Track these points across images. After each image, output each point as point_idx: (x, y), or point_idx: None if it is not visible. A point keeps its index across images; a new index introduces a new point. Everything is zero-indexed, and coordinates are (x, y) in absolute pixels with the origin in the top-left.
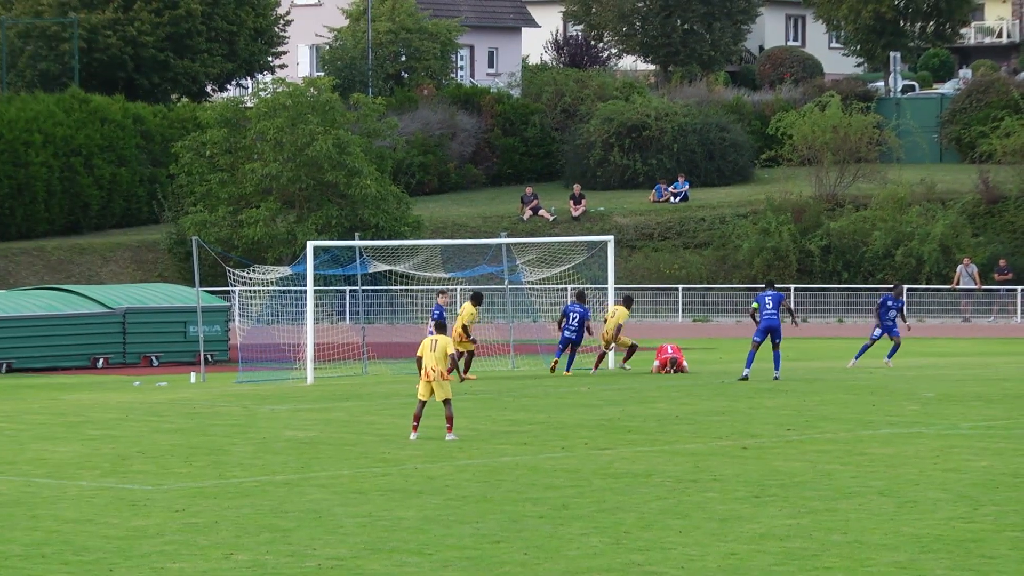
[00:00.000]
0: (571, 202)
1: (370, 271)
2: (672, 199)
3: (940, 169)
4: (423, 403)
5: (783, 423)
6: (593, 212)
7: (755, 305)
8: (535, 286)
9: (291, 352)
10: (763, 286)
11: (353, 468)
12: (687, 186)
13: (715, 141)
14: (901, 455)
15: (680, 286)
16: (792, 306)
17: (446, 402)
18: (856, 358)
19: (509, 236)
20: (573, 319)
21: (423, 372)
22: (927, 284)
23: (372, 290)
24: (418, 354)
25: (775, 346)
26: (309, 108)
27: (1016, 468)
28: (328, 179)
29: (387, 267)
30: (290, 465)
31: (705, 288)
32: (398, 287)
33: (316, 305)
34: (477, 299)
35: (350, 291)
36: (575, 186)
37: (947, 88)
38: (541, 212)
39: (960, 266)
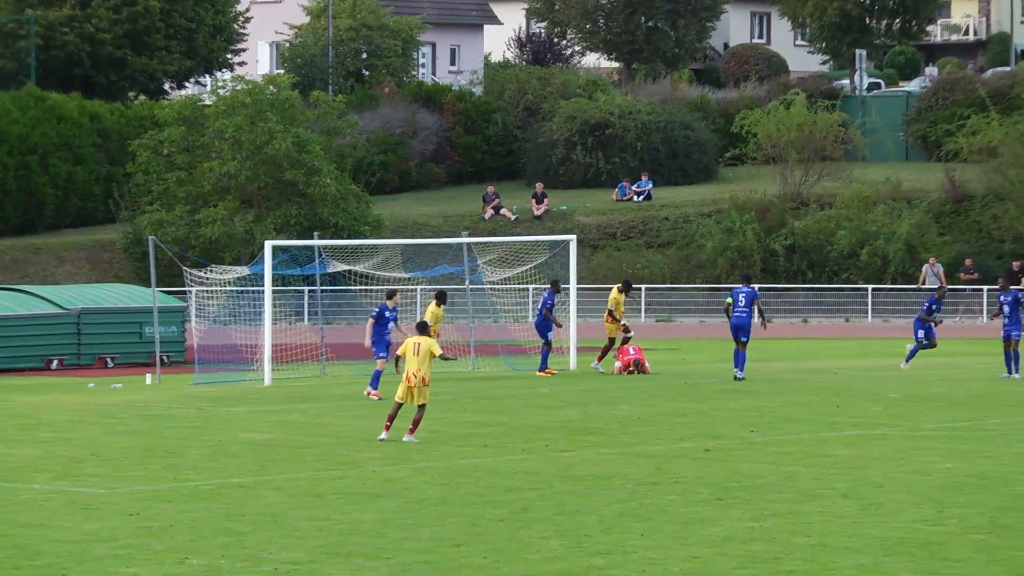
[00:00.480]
0: (533, 201)
1: (329, 271)
2: (635, 198)
3: (906, 168)
4: (399, 405)
5: (746, 424)
6: (556, 211)
7: (729, 301)
8: (496, 286)
9: (248, 353)
10: (737, 284)
11: (310, 471)
12: (650, 185)
13: (679, 139)
14: (865, 457)
15: (643, 286)
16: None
17: (421, 407)
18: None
19: (470, 235)
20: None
21: (405, 376)
22: (892, 284)
23: (331, 290)
24: (399, 353)
25: (741, 345)
26: (268, 106)
27: (981, 470)
28: (287, 178)
29: (346, 267)
30: (246, 468)
31: (668, 288)
32: (357, 287)
33: (274, 305)
34: (442, 298)
35: (309, 291)
36: (537, 185)
37: (913, 86)
38: (503, 211)
39: (926, 266)
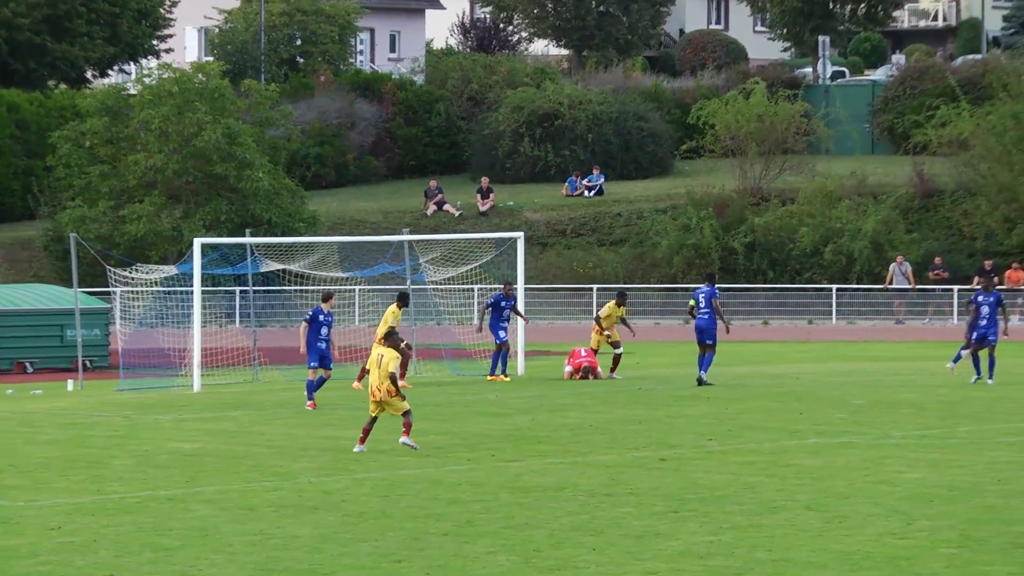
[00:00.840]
0: (478, 196)
1: (262, 270)
2: (586, 193)
3: (872, 161)
4: (374, 419)
5: (704, 432)
6: (502, 207)
7: (692, 303)
8: (439, 286)
9: (176, 358)
10: (699, 284)
11: (243, 482)
12: (602, 179)
13: (632, 131)
14: (829, 467)
15: (595, 286)
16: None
17: (405, 414)
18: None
19: (411, 233)
20: (507, 314)
21: (370, 390)
22: (858, 284)
23: (264, 291)
24: (367, 365)
25: (707, 347)
26: (197, 95)
27: (951, 480)
28: (217, 172)
29: (280, 266)
30: (175, 479)
31: (621, 288)
32: (292, 287)
33: (204, 307)
34: (403, 300)
35: (240, 292)
36: (483, 179)
37: (879, 75)
38: (446, 207)
39: (893, 264)
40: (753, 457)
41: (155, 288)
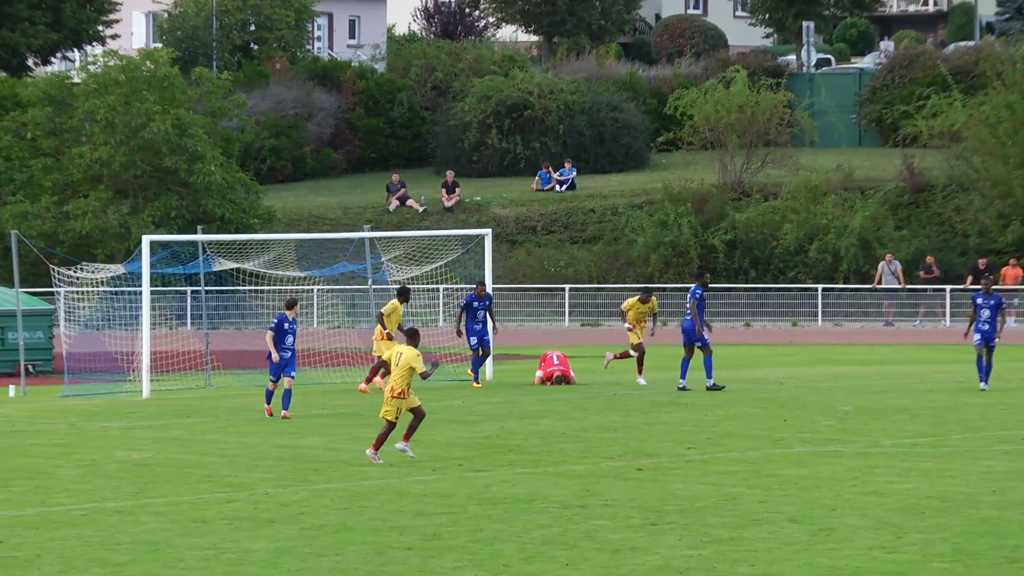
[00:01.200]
0: (443, 191)
1: (214, 269)
2: (558, 187)
3: (859, 153)
4: (390, 425)
5: (683, 441)
6: (468, 202)
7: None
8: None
9: (124, 362)
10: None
11: (195, 494)
12: (574, 173)
13: (606, 122)
14: (815, 476)
15: (567, 286)
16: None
17: (414, 412)
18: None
19: (373, 229)
20: (480, 315)
21: (387, 388)
22: (845, 283)
23: (217, 291)
24: (385, 358)
25: (694, 350)
26: (145, 84)
27: (944, 491)
28: (167, 165)
29: (234, 265)
30: (123, 490)
31: (595, 288)
32: (246, 287)
33: (153, 308)
34: (404, 295)
35: (192, 292)
36: (448, 173)
37: (867, 62)
38: (409, 202)
39: (882, 263)
40: (735, 466)
41: (101, 288)
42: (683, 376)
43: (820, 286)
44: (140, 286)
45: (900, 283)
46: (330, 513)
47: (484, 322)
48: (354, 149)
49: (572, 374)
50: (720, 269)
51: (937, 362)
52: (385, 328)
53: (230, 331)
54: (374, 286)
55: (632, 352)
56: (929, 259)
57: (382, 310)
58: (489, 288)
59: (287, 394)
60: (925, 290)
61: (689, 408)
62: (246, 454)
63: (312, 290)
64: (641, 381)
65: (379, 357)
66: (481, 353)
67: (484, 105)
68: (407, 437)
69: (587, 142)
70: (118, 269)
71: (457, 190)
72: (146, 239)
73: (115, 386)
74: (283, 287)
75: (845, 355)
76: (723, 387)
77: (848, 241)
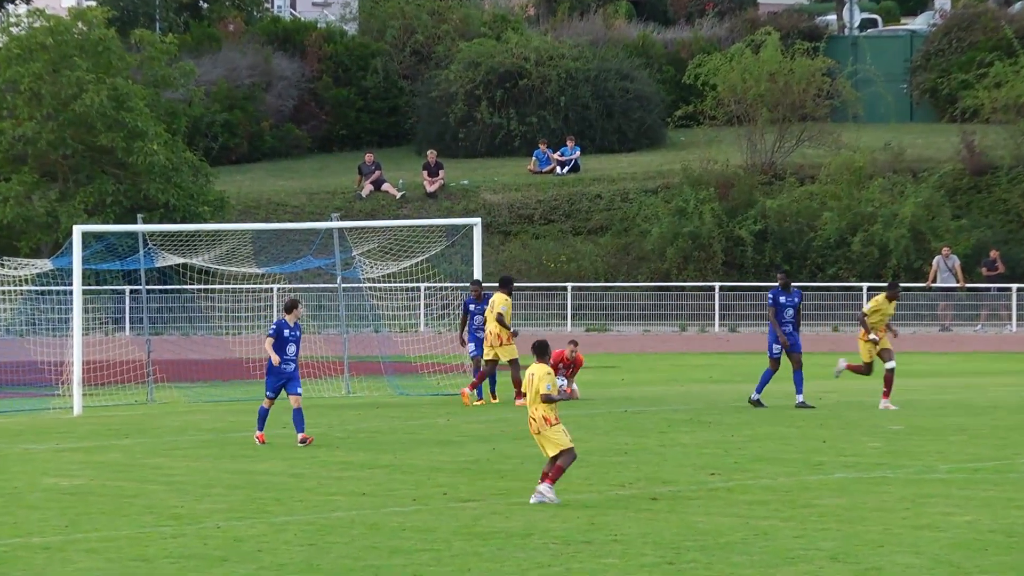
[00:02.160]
0: (425, 173)
1: (157, 265)
2: (558, 169)
3: (911, 130)
4: (553, 457)
5: (705, 466)
6: (454, 187)
7: (771, 308)
8: (377, 284)
9: (52, 373)
10: (776, 283)
11: (135, 527)
12: (577, 152)
13: (614, 93)
14: (859, 507)
15: (569, 284)
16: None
17: (560, 456)
18: None
19: (343, 219)
20: (477, 320)
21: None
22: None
23: (160, 291)
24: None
25: (792, 361)
26: (76, 49)
27: (1010, 524)
28: (102, 143)
29: (180, 260)
30: (51, 523)
31: (602, 288)
32: (195, 286)
33: (86, 311)
34: (507, 285)
35: (131, 292)
36: (430, 153)
37: (919, 23)
38: (385, 187)
39: (937, 258)
40: (765, 496)
41: (25, 287)
42: (760, 390)
43: (865, 284)
44: (70, 284)
45: (958, 281)
46: (292, 550)
47: (483, 329)
48: (320, 124)
49: (575, 388)
50: (748, 265)
51: (1002, 373)
52: (509, 327)
53: (175, 337)
54: (344, 284)
55: (868, 369)
56: (993, 253)
57: (499, 310)
58: None
59: (298, 415)
60: (988, 289)
61: (712, 428)
62: (194, 481)
63: (272, 289)
64: (889, 405)
65: (487, 362)
66: (482, 365)
67: (472, 73)
68: (551, 479)
69: (592, 116)
70: (45, 265)
71: (441, 173)
72: (77, 230)
73: (41, 402)
74: (238, 286)
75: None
76: (812, 407)
77: (898, 232)
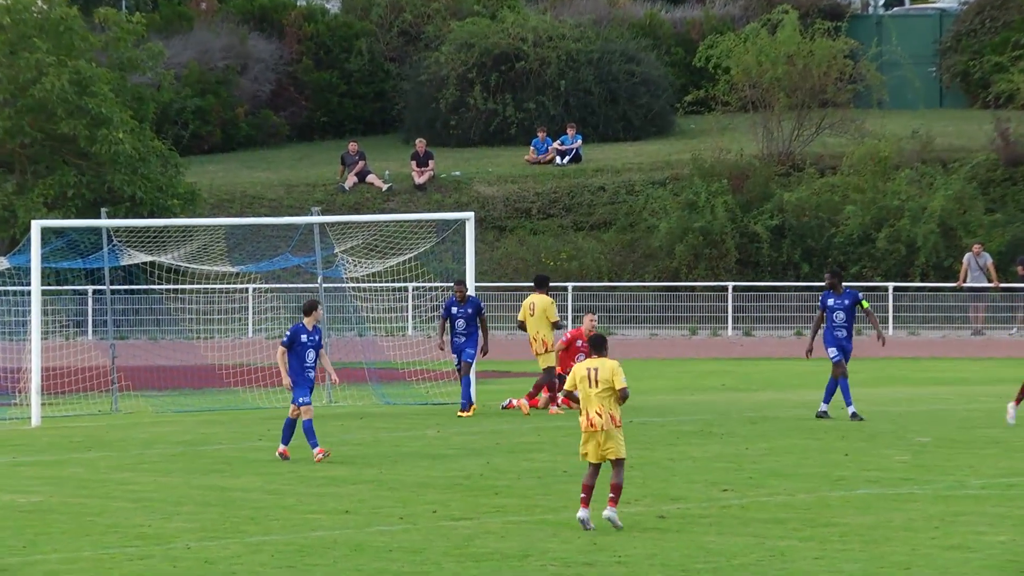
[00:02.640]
0: (413, 164)
1: (123, 264)
2: (558, 159)
3: (940, 116)
4: (595, 467)
5: (716, 481)
6: (445, 178)
7: (820, 312)
8: (361, 284)
9: (8, 381)
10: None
11: (97, 548)
12: (579, 141)
13: (619, 77)
14: (885, 526)
15: (570, 284)
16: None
17: (617, 463)
18: None
19: (324, 212)
20: (460, 325)
21: (585, 419)
22: (922, 281)
23: (126, 291)
24: (567, 388)
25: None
26: (35, 29)
27: None
28: (63, 131)
29: (148, 258)
30: (7, 544)
31: (606, 287)
32: (163, 286)
33: (45, 313)
34: (542, 284)
35: (94, 292)
36: (419, 141)
37: (949, 2)
38: (370, 178)
39: (968, 255)
40: (782, 514)
41: None
42: (843, 401)
43: (891, 284)
44: (28, 284)
45: (991, 281)
46: (269, 573)
47: (467, 334)
48: (300, 111)
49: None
50: (764, 263)
51: None
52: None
53: (142, 342)
54: (325, 284)
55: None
56: None
57: (554, 319)
58: (471, 287)
59: (308, 426)
60: (1023, 290)
61: (724, 440)
62: (163, 498)
63: (247, 290)
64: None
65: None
66: (465, 374)
67: (465, 55)
68: (614, 501)
69: (595, 102)
70: (2, 263)
71: (430, 163)
72: (36, 225)
73: None
74: (210, 286)
75: (922, 372)
76: (863, 419)
77: (927, 228)
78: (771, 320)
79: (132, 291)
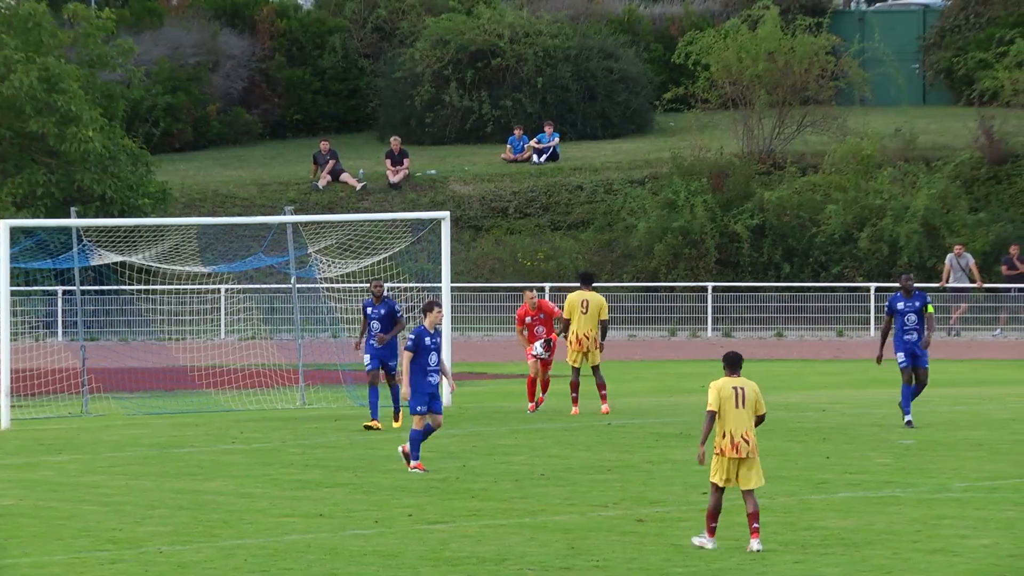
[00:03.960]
0: (388, 162)
1: (93, 264)
2: (535, 158)
3: (924, 114)
4: (722, 492)
5: (695, 484)
6: (420, 177)
7: (887, 317)
8: (335, 285)
9: None
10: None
11: (68, 552)
12: (556, 139)
13: (597, 73)
14: (866, 530)
15: (547, 284)
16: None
17: (750, 495)
18: None
19: (297, 212)
20: (375, 327)
21: (727, 444)
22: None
23: (96, 292)
24: (710, 406)
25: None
26: (3, 25)
27: None
28: (31, 129)
29: (118, 258)
30: None
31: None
32: (134, 286)
33: (13, 314)
34: (587, 281)
35: (64, 293)
36: (393, 140)
37: None
38: (344, 177)
39: (951, 256)
40: (763, 517)
41: None
42: (907, 409)
43: (873, 285)
44: None
45: (974, 281)
46: None
47: (387, 343)
48: (272, 109)
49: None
50: (744, 263)
51: (1023, 383)
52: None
53: (113, 343)
54: (298, 285)
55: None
56: (1013, 250)
57: (605, 316)
58: (446, 290)
59: (416, 436)
60: (1007, 290)
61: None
62: (135, 501)
63: (219, 290)
64: None
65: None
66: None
67: (440, 52)
68: (755, 533)
69: (573, 99)
70: None
71: (405, 161)
72: (4, 224)
73: None
74: (181, 286)
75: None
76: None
77: (909, 227)
78: (751, 321)
79: (102, 292)
